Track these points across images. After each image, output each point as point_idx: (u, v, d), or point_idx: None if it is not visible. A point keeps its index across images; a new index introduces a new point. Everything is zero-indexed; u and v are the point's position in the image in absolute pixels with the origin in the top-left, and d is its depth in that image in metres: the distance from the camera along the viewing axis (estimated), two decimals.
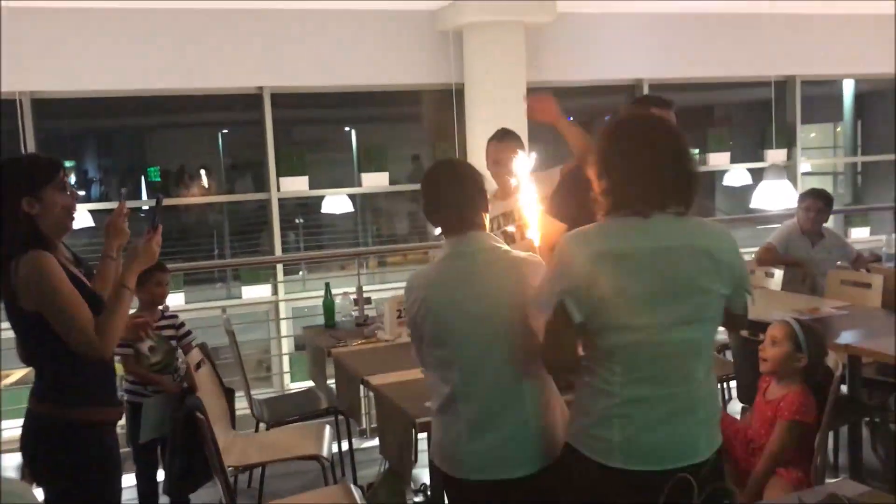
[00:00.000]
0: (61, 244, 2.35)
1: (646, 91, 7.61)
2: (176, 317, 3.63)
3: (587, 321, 1.86)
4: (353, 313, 3.94)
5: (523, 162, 2.44)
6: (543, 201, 2.68)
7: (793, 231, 4.87)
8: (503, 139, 3.45)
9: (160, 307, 3.60)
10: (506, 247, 2.25)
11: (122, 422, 3.43)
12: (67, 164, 8.04)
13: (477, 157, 6.71)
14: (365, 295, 4.35)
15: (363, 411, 3.20)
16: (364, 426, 3.26)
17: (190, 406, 2.65)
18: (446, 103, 7.22)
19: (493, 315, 2.13)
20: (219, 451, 2.62)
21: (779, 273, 4.77)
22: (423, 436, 2.54)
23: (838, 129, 10.75)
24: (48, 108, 6.26)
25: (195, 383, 3.03)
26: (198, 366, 3.28)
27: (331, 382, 3.79)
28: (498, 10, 6.34)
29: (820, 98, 9.35)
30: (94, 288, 2.38)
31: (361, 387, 3.10)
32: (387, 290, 6.49)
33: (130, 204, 3.72)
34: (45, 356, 2.24)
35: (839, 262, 4.83)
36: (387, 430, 2.81)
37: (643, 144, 1.90)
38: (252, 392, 4.09)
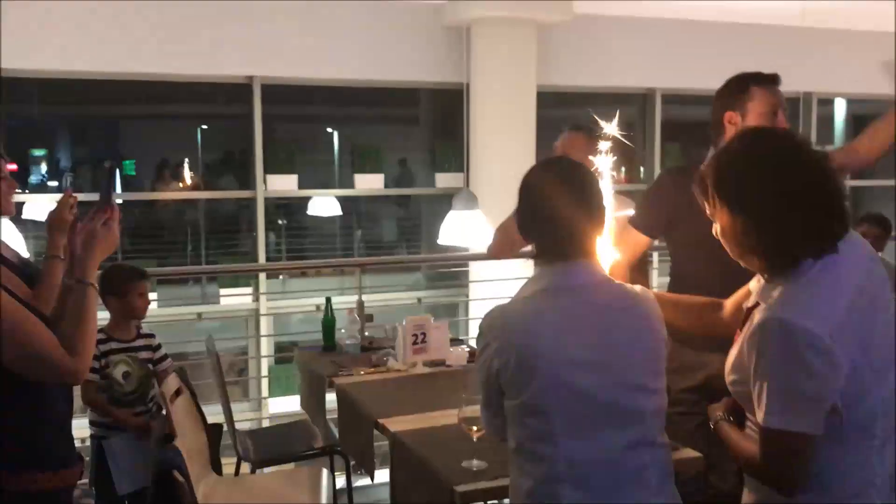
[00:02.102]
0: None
1: (658, 102, 7.23)
2: (153, 336, 3.08)
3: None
4: (357, 336, 3.42)
5: (604, 162, 1.94)
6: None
7: None
8: (575, 132, 2.92)
9: (137, 323, 3.05)
10: (615, 279, 1.75)
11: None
12: (37, 152, 7.48)
13: (481, 158, 6.29)
14: (366, 311, 3.84)
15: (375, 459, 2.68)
16: (374, 478, 2.75)
17: (166, 461, 2.12)
18: (448, 103, 6.75)
19: (612, 369, 1.63)
20: None
21: None
22: None
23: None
24: (18, 88, 5.69)
25: (173, 424, 2.50)
26: (175, 394, 2.74)
27: (331, 417, 3.27)
28: (510, 5, 5.89)
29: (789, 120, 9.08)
30: (38, 294, 1.89)
31: (374, 430, 2.59)
32: (380, 303, 6.00)
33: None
34: None
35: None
36: (415, 495, 2.29)
37: (816, 169, 1.51)
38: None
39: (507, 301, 1.74)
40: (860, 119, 10.21)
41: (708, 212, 1.61)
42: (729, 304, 1.85)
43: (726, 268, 2.28)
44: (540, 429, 1.63)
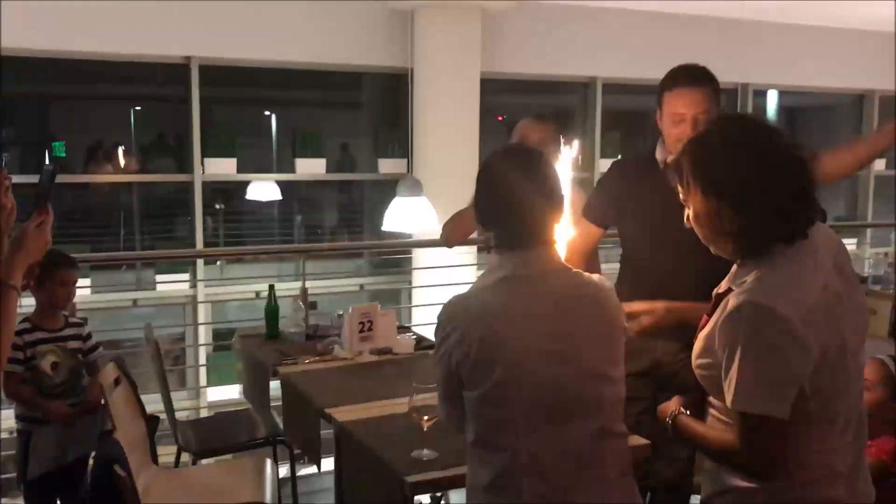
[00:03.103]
0: None
1: (599, 90, 7.29)
2: (83, 325, 2.96)
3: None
4: (302, 324, 3.36)
5: (567, 152, 1.93)
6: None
7: None
8: (542, 120, 2.89)
9: (64, 312, 2.93)
10: (573, 268, 1.73)
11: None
12: None
13: (425, 144, 6.25)
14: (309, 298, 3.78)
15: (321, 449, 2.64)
16: (320, 467, 2.71)
17: (107, 454, 2.05)
18: (392, 88, 6.69)
19: (573, 359, 1.62)
20: None
21: None
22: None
23: None
24: None
25: (112, 416, 2.41)
26: (114, 383, 2.65)
27: (274, 405, 3.21)
28: None
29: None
30: None
31: (321, 420, 2.55)
32: (322, 290, 5.93)
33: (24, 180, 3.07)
34: None
35: None
36: (363, 486, 2.25)
37: (790, 155, 1.53)
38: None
39: (465, 291, 1.71)
40: (791, 111, 10.49)
41: (681, 196, 1.61)
42: None
43: (676, 256, 2.32)
44: (501, 420, 1.61)
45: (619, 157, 7.46)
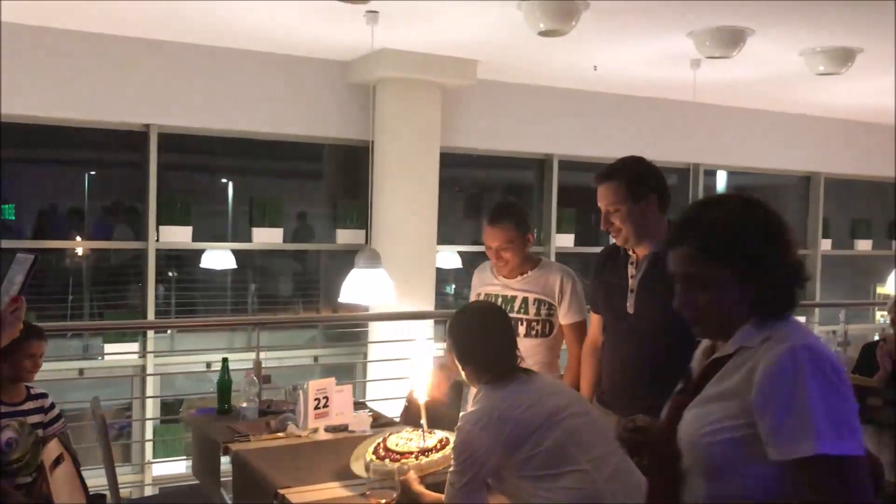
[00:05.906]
0: None
1: (555, 167, 7.42)
2: (46, 396, 2.84)
3: None
4: (255, 399, 3.26)
5: None
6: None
7: None
8: (495, 223, 2.97)
9: (27, 384, 2.81)
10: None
11: None
12: None
13: (383, 216, 6.26)
14: (263, 371, 3.69)
15: None
16: None
17: None
18: (352, 159, 6.74)
19: (575, 397, 2.27)
20: None
21: None
22: None
23: None
24: None
25: (52, 499, 2.28)
26: (56, 462, 2.54)
27: (225, 480, 3.09)
28: (415, 67, 5.96)
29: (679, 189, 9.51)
30: None
31: (274, 501, 2.45)
32: (275, 361, 5.82)
33: None
34: None
35: None
36: None
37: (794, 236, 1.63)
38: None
39: (471, 411, 2.17)
40: (740, 190, 10.75)
41: (684, 273, 1.59)
42: None
43: (625, 340, 2.50)
44: (568, 437, 2.08)
45: (574, 233, 7.61)
